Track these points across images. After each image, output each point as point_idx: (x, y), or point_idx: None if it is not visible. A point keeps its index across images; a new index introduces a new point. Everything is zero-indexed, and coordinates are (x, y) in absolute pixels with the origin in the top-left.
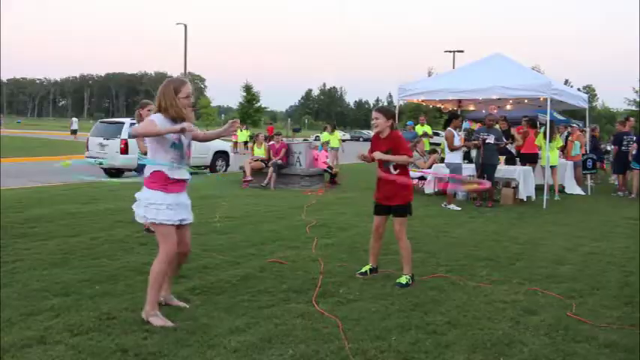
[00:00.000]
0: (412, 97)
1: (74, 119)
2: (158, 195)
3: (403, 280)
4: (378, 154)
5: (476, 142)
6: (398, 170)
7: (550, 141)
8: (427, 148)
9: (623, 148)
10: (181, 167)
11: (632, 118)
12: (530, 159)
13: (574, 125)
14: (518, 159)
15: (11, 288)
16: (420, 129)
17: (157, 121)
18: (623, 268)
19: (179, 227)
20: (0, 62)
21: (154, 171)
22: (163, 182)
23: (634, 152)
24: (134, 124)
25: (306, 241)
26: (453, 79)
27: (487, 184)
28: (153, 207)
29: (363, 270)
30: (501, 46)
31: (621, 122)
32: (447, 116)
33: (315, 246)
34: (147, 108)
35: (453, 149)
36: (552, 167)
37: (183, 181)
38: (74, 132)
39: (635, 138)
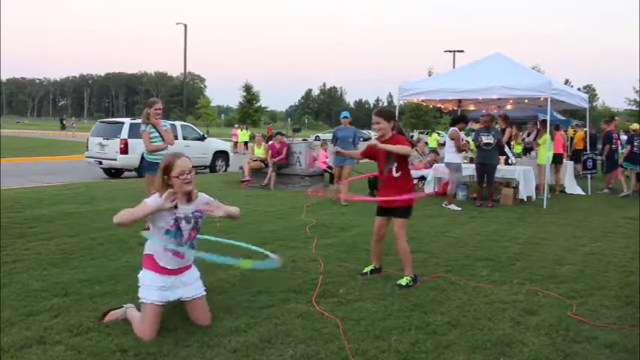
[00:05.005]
0: (412, 97)
1: None
2: (150, 275)
3: (403, 281)
4: (374, 141)
5: (476, 142)
6: (400, 172)
7: (535, 139)
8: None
9: (614, 146)
10: (179, 251)
11: (617, 118)
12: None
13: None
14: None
15: (11, 288)
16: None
17: (149, 202)
18: (624, 268)
19: (186, 304)
20: (0, 62)
21: (148, 254)
22: (156, 266)
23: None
24: (134, 124)
25: (306, 241)
26: (453, 79)
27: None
28: (144, 286)
29: (365, 271)
30: (501, 46)
31: (606, 122)
32: (450, 115)
33: (315, 246)
34: (154, 107)
35: (460, 150)
36: (539, 165)
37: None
38: None
39: (626, 138)
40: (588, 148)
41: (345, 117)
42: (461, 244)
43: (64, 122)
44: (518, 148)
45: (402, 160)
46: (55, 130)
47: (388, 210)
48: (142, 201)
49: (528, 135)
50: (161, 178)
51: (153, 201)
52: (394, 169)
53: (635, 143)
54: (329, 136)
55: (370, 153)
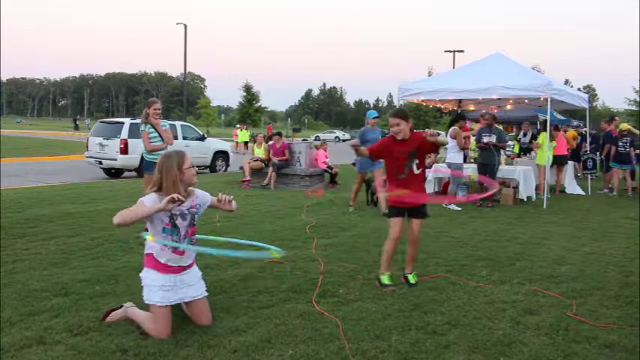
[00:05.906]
0: (412, 97)
1: None
2: (151, 274)
3: (414, 279)
4: (430, 131)
5: (480, 143)
6: (420, 170)
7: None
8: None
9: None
10: (178, 248)
11: (617, 118)
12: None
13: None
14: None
15: (11, 288)
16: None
17: (147, 202)
18: (624, 268)
19: (187, 304)
20: (0, 62)
21: (148, 252)
22: (157, 264)
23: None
24: (134, 124)
25: (306, 241)
26: (453, 79)
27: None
28: (147, 286)
29: (388, 282)
30: (501, 46)
31: (607, 121)
32: (451, 115)
33: (315, 246)
34: (153, 107)
35: (463, 148)
36: (539, 166)
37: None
38: None
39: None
40: (589, 149)
41: (376, 117)
42: (461, 244)
43: (78, 123)
44: (517, 148)
45: (424, 156)
46: (60, 131)
47: (408, 210)
48: (137, 200)
49: (524, 135)
50: (175, 174)
51: (152, 202)
52: (415, 166)
53: (620, 143)
54: (329, 136)
55: (381, 151)
